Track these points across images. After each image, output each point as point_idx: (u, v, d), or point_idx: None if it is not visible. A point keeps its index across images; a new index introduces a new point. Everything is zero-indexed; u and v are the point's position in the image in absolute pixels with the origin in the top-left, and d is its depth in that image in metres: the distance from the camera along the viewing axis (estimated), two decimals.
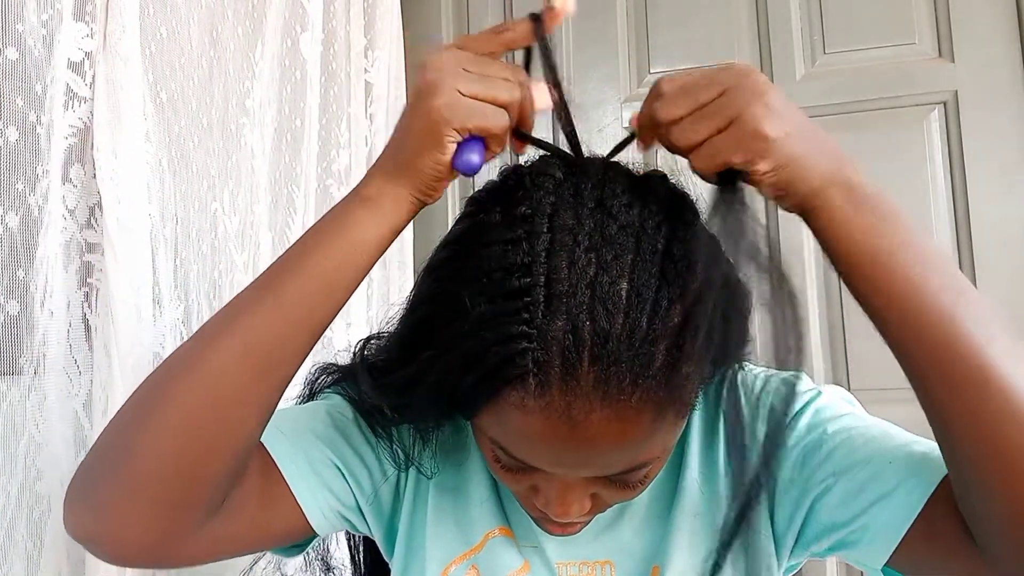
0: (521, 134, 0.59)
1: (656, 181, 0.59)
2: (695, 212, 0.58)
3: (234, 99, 1.03)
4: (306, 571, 0.86)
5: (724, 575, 0.64)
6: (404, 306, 0.62)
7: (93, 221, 0.78)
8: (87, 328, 0.77)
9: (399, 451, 0.66)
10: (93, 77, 0.78)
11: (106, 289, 0.76)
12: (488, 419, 0.55)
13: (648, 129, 0.56)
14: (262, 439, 0.62)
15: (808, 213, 0.54)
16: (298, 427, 0.66)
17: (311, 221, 1.19)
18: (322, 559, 0.84)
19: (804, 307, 1.48)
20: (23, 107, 0.72)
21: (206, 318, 0.77)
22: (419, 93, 0.55)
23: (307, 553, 0.83)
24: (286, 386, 0.58)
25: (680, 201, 0.58)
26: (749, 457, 0.53)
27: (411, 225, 0.63)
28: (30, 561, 0.71)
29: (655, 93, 0.55)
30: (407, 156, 0.56)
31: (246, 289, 0.58)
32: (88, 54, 0.78)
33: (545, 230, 0.53)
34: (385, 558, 0.74)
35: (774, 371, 0.70)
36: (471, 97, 0.54)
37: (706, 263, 0.53)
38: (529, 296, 0.51)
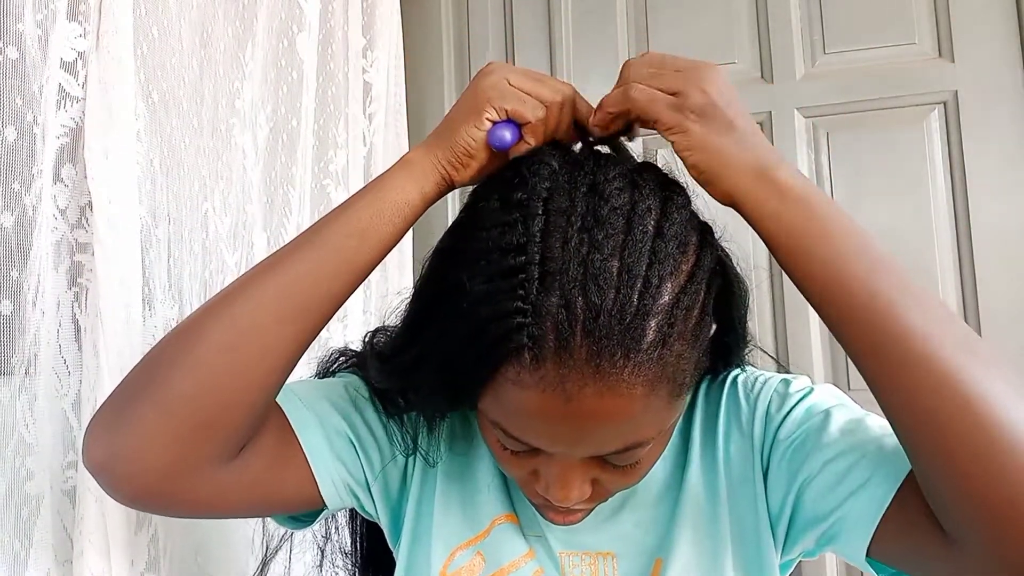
0: (580, 128, 0.66)
1: (649, 169, 0.61)
2: (687, 198, 0.61)
3: (224, 99, 1.03)
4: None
5: (725, 562, 0.65)
6: (409, 296, 0.65)
7: (84, 221, 0.78)
8: (77, 328, 0.77)
9: (408, 436, 0.68)
10: (86, 77, 0.78)
11: (95, 289, 0.76)
12: (488, 400, 0.57)
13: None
14: (280, 402, 0.65)
15: (735, 205, 0.59)
16: (316, 396, 0.69)
17: (307, 222, 1.19)
18: (341, 550, 0.88)
19: (802, 308, 1.49)
20: (21, 107, 0.73)
21: None
22: (474, 78, 0.64)
23: (319, 555, 0.85)
24: (312, 338, 0.62)
25: (672, 187, 0.60)
26: None
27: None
28: (17, 561, 0.71)
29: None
30: (448, 127, 0.64)
31: (291, 240, 0.64)
32: (81, 54, 0.78)
33: (540, 212, 0.55)
34: (390, 545, 0.75)
35: (773, 373, 0.72)
36: (517, 88, 0.62)
37: (698, 245, 0.58)
38: (524, 274, 0.53)
